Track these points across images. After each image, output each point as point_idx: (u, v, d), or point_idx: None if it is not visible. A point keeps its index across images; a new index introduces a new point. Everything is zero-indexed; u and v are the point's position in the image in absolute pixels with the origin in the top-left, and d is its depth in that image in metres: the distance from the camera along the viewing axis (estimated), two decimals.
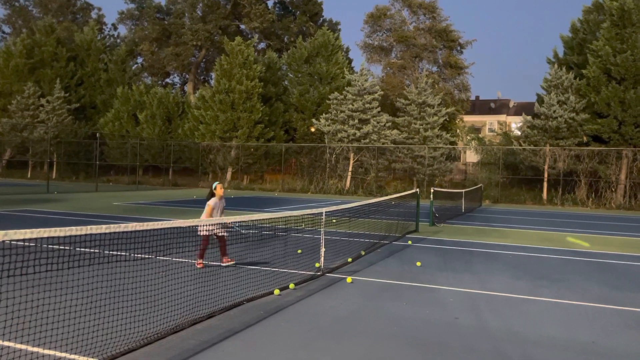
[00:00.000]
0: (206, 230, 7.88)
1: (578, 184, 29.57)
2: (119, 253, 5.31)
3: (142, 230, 4.68)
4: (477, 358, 4.69)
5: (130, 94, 42.08)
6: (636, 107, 27.02)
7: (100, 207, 18.12)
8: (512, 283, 7.93)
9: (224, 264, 8.04)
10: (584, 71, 29.54)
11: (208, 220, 7.15)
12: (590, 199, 28.53)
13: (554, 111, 29.06)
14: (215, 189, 8.30)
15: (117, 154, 40.51)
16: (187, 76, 57.71)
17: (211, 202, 8.20)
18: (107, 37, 55.05)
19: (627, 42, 27.70)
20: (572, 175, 29.45)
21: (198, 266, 7.93)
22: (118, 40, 55.71)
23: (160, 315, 5.30)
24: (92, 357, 4.25)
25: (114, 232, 4.41)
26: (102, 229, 4.25)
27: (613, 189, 28.64)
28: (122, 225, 4.45)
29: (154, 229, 4.73)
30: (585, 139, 29.71)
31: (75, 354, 4.29)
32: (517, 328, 5.64)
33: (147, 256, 6.33)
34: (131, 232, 4.57)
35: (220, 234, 8.05)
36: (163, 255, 7.00)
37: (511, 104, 67.48)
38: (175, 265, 7.63)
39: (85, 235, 4.16)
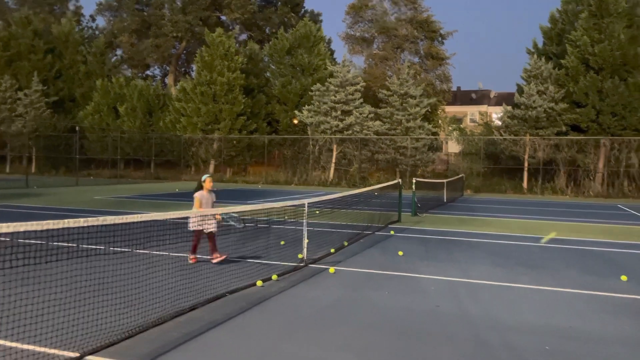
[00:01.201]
0: (197, 225, 7.77)
1: (557, 173, 29.99)
2: (97, 247, 5.26)
3: (122, 224, 4.64)
4: (457, 344, 4.76)
5: (110, 87, 41.48)
6: (613, 97, 27.44)
7: (81, 202, 17.90)
8: (493, 271, 8.04)
9: (215, 261, 7.81)
10: (562, 61, 29.88)
11: (194, 212, 7.08)
12: (569, 188, 28.99)
13: (534, 101, 29.38)
14: (204, 181, 8.16)
15: (97, 147, 39.97)
16: (167, 68, 57.07)
17: (198, 194, 8.08)
18: (86, 28, 54.13)
19: (604, 32, 28.06)
20: (552, 164, 29.86)
21: (191, 261, 7.83)
22: (97, 32, 54.82)
23: (142, 309, 5.27)
24: (72, 352, 4.22)
25: (93, 226, 4.37)
26: (80, 222, 4.21)
27: (591, 178, 29.12)
28: (101, 218, 4.40)
29: (133, 222, 4.69)
30: (564, 128, 30.11)
31: (55, 348, 4.25)
32: (497, 314, 5.73)
33: (126, 249, 6.28)
34: (110, 225, 4.53)
35: (209, 230, 7.91)
36: (143, 249, 6.95)
37: (492, 95, 68.03)
38: (157, 259, 7.58)
39: (63, 229, 4.11)
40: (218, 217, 7.91)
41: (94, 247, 5.26)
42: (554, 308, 6.08)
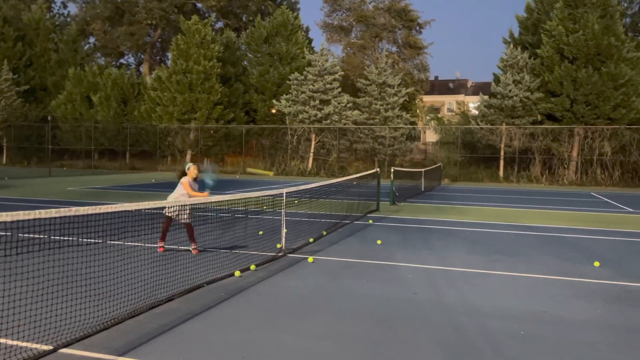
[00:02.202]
0: (171, 212, 7.66)
1: (533, 162, 30.46)
2: (70, 238, 5.15)
3: (95, 214, 4.54)
4: (434, 331, 4.80)
5: (82, 75, 40.57)
6: (587, 86, 27.89)
7: (53, 193, 17.55)
8: (469, 258, 8.13)
9: (195, 253, 7.81)
10: (538, 51, 30.22)
11: (173, 202, 6.96)
12: (544, 176, 29.48)
13: (510, 90, 29.70)
14: (188, 169, 8.01)
15: (70, 137, 39.16)
16: (142, 56, 56.02)
17: (185, 179, 7.94)
18: (57, 15, 52.68)
19: (579, 22, 28.44)
20: (527, 153, 30.29)
21: (159, 250, 7.74)
22: (68, 19, 53.41)
23: (117, 300, 5.19)
24: (46, 345, 4.13)
25: (65, 217, 4.27)
26: (52, 212, 4.10)
27: (565, 166, 29.65)
28: (73, 208, 4.30)
29: (106, 213, 4.60)
30: (539, 117, 30.54)
31: (28, 341, 4.16)
32: (473, 301, 5.80)
33: (99, 241, 6.16)
34: (83, 216, 4.43)
35: (185, 221, 7.83)
36: (117, 240, 6.84)
37: (469, 84, 68.64)
38: (131, 250, 7.47)
39: (34, 219, 4.00)
40: (205, 194, 7.72)
41: (66, 238, 5.15)
42: (528, 294, 6.18)
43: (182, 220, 7.82)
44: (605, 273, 7.27)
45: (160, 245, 7.84)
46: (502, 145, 30.67)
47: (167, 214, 7.77)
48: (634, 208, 16.40)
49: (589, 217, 13.97)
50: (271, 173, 9.10)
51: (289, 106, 33.89)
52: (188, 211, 7.85)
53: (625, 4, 35.49)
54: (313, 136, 34.06)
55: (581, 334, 4.80)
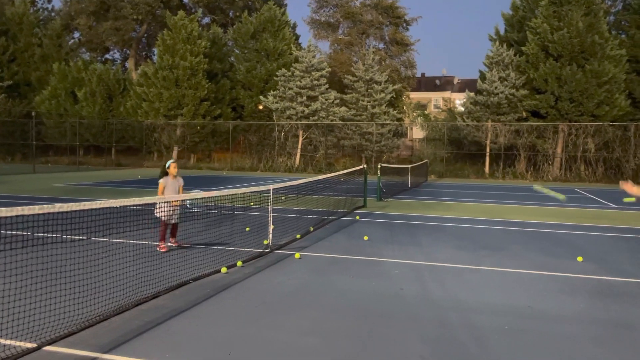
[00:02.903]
0: (163, 214, 7.63)
1: (518, 158, 30.73)
2: (54, 235, 5.10)
3: (79, 211, 4.50)
4: (420, 326, 4.84)
5: (67, 71, 40.06)
6: (571, 84, 28.17)
7: (38, 189, 17.34)
8: (455, 254, 8.19)
9: (172, 244, 7.85)
10: (523, 48, 30.44)
11: (156, 199, 6.92)
12: (529, 172, 29.76)
13: (495, 87, 29.91)
14: (168, 167, 7.98)
15: (55, 133, 38.69)
16: (128, 52, 55.48)
17: (162, 180, 7.92)
18: (41, 10, 51.90)
19: (563, 19, 28.70)
20: (513, 149, 30.55)
21: (161, 250, 7.66)
22: (52, 14, 52.65)
23: (102, 297, 5.16)
24: (30, 342, 4.09)
25: (48, 213, 4.22)
26: (35, 209, 4.06)
27: (550, 162, 29.96)
28: (57, 205, 4.26)
29: (91, 209, 4.56)
30: (524, 114, 30.81)
31: (11, 339, 4.12)
32: (459, 296, 5.85)
33: (83, 237, 6.10)
34: (67, 212, 4.39)
35: (174, 221, 7.81)
36: (102, 237, 6.78)
37: (455, 81, 69.00)
38: (117, 246, 7.42)
39: (17, 216, 3.96)
40: (176, 203, 7.75)
41: (50, 235, 5.09)
42: (514, 289, 6.25)
43: (173, 221, 7.79)
44: (588, 268, 7.36)
45: (162, 245, 7.74)
46: (488, 142, 30.90)
47: (157, 215, 7.72)
48: (616, 204, 16.63)
49: (573, 212, 14.13)
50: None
51: (276, 102, 33.80)
52: (178, 212, 7.83)
53: (609, 2, 35.88)
54: (300, 132, 34.02)
55: (565, 328, 4.86)
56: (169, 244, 7.86)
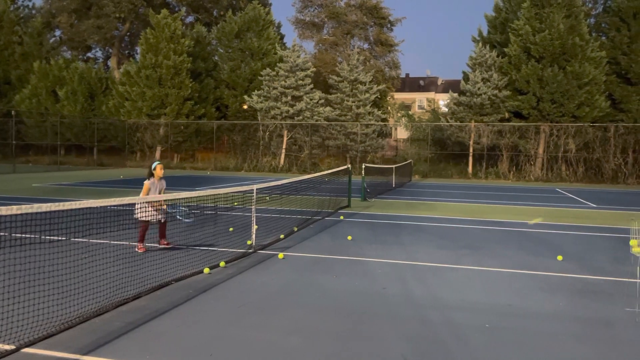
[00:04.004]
0: (145, 216, 7.55)
1: (500, 158, 31.06)
2: (33, 235, 5.03)
3: (58, 211, 4.44)
4: (402, 324, 4.87)
5: (48, 69, 39.51)
6: (553, 85, 28.56)
7: (17, 189, 17.07)
8: (438, 253, 8.26)
9: (161, 245, 7.77)
10: (506, 49, 30.77)
11: (137, 199, 6.85)
12: (512, 172, 30.10)
13: (479, 88, 30.19)
14: (154, 169, 7.87)
15: (36, 132, 38.13)
16: (110, 50, 54.88)
17: (147, 182, 7.83)
18: (21, 7, 51.11)
19: (545, 21, 29.07)
20: (495, 149, 30.88)
21: (139, 250, 7.59)
22: (33, 12, 51.88)
23: (82, 299, 5.09)
24: (8, 344, 4.03)
25: (27, 214, 4.16)
26: (13, 209, 4.00)
27: (532, 162, 30.33)
28: (36, 205, 4.20)
29: (71, 210, 4.50)
30: (506, 115, 31.14)
31: None
32: (441, 295, 5.90)
33: (62, 238, 6.03)
34: (46, 212, 4.33)
35: (162, 220, 7.73)
36: (82, 237, 6.70)
37: (439, 82, 69.49)
38: (97, 247, 7.34)
39: None
40: (164, 205, 7.73)
41: (28, 235, 5.02)
42: (494, 287, 6.31)
43: (160, 220, 7.72)
44: (568, 267, 7.47)
45: (140, 245, 7.66)
46: (471, 142, 31.18)
47: (138, 217, 7.63)
48: (596, 203, 16.90)
49: (554, 212, 14.32)
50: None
51: (261, 102, 33.72)
52: (162, 211, 7.75)
53: (590, 5, 36.44)
54: (285, 132, 33.97)
55: (544, 326, 4.93)
56: (161, 245, 7.76)
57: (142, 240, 7.64)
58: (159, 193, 7.90)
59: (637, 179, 28.32)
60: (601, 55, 29.21)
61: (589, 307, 5.56)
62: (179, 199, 7.78)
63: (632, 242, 5.25)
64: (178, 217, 8.08)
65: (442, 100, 45.30)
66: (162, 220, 7.76)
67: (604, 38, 31.91)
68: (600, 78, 28.81)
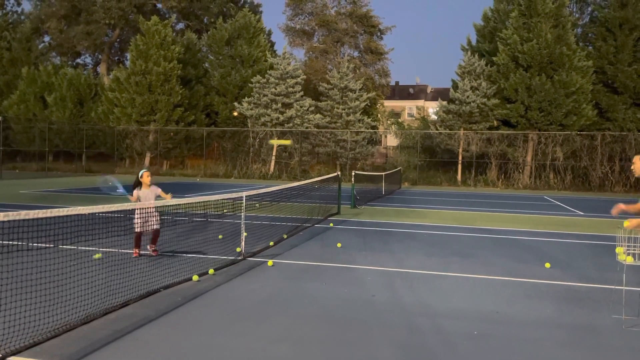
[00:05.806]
0: (139, 227, 7.51)
1: (489, 166, 31.28)
2: (20, 242, 4.99)
3: (45, 218, 4.41)
4: (390, 331, 4.88)
5: (37, 75, 39.27)
6: (540, 93, 28.86)
7: (4, 196, 16.90)
8: (426, 260, 8.29)
9: (149, 250, 7.76)
10: (494, 58, 31.07)
11: (131, 205, 6.82)
12: (500, 180, 30.31)
13: (468, 96, 30.42)
14: (141, 177, 7.75)
15: (23, 138, 37.79)
16: (99, 56, 54.64)
17: (135, 193, 7.72)
18: (10, 13, 50.81)
19: (533, 31, 29.42)
20: (484, 157, 31.09)
21: (134, 255, 7.56)
22: (22, 17, 51.59)
23: (69, 306, 5.05)
24: None
25: (13, 221, 4.13)
26: (0, 216, 3.97)
27: (520, 170, 30.57)
28: (23, 212, 4.17)
29: (58, 217, 4.48)
30: (495, 123, 31.40)
31: None
32: (429, 302, 5.92)
33: (50, 245, 5.98)
34: (33, 220, 4.30)
35: (154, 227, 7.68)
36: (70, 244, 6.65)
37: (429, 90, 69.95)
38: (85, 255, 7.29)
39: None
40: (168, 196, 7.60)
41: (15, 242, 4.98)
42: (482, 294, 6.35)
43: (151, 228, 7.68)
44: (555, 274, 7.53)
45: (136, 250, 7.62)
46: (460, 150, 31.37)
47: (136, 228, 7.59)
48: (584, 211, 17.06)
49: (542, 219, 14.44)
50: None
51: (251, 109, 33.72)
52: (155, 218, 7.67)
53: (577, 15, 36.95)
54: (275, 139, 33.95)
55: (531, 333, 4.96)
56: (149, 250, 7.72)
57: (137, 245, 7.60)
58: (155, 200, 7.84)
59: (624, 187, 28.63)
60: (588, 65, 29.58)
61: (576, 314, 5.61)
62: (170, 205, 7.74)
63: (618, 250, 5.32)
64: (108, 192, 8.05)
65: (432, 108, 45.58)
66: (156, 227, 7.72)
67: (590, 48, 32.34)
68: (587, 87, 29.17)
